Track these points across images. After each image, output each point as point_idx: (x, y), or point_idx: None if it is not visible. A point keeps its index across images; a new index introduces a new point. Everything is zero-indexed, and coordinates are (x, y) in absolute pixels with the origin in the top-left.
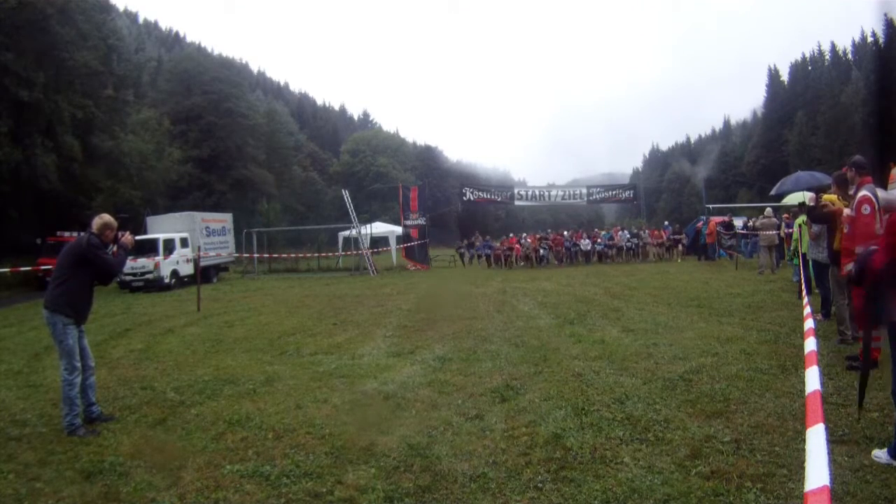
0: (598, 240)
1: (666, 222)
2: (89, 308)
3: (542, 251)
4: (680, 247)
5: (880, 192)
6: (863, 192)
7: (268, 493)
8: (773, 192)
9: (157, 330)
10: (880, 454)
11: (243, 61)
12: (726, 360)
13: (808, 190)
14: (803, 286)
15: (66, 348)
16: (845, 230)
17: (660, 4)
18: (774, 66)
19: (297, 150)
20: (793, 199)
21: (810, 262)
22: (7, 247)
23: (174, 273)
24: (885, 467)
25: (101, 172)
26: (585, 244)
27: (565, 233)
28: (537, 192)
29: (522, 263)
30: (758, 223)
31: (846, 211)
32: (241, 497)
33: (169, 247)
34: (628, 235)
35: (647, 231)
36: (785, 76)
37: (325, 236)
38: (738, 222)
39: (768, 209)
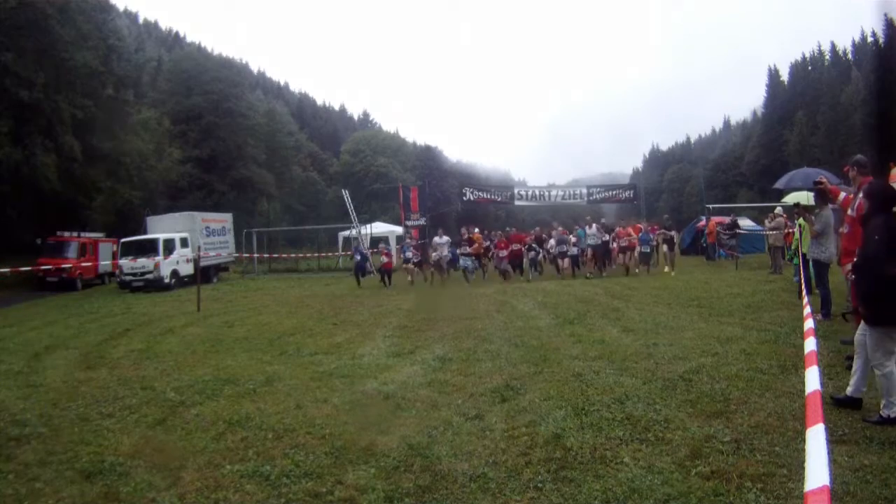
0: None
1: (666, 214)
2: None
3: (464, 262)
4: (663, 249)
5: None
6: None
7: (268, 493)
8: (778, 185)
9: (157, 330)
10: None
11: (243, 61)
12: (726, 360)
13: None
14: (803, 286)
15: None
16: (845, 230)
17: (660, 4)
18: (774, 66)
19: (297, 150)
20: (791, 199)
21: (811, 262)
22: (7, 247)
23: (174, 273)
24: (885, 467)
25: (101, 172)
26: (554, 246)
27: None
28: (537, 192)
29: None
30: (771, 223)
31: (849, 211)
32: (241, 497)
33: (169, 247)
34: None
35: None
36: (785, 76)
37: (325, 236)
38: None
39: (778, 208)
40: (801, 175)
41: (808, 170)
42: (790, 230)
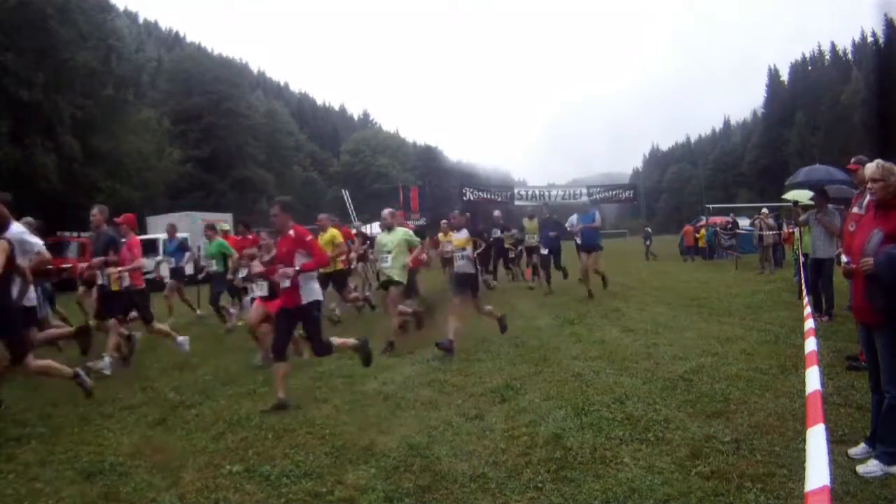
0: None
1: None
2: None
3: None
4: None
5: None
6: None
7: (268, 493)
8: (790, 182)
9: None
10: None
11: (243, 61)
12: (726, 360)
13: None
14: (803, 286)
15: None
16: (851, 228)
17: (660, 4)
18: (774, 66)
19: (297, 150)
20: (791, 196)
21: (811, 262)
22: None
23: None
24: None
25: (101, 172)
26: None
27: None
28: (537, 192)
29: None
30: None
31: (854, 209)
32: (241, 497)
33: None
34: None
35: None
36: (785, 76)
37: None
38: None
39: (764, 209)
40: (822, 171)
41: (826, 167)
42: (790, 230)
